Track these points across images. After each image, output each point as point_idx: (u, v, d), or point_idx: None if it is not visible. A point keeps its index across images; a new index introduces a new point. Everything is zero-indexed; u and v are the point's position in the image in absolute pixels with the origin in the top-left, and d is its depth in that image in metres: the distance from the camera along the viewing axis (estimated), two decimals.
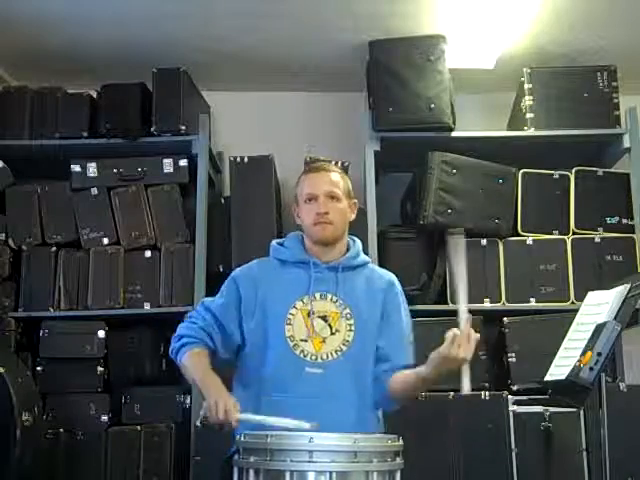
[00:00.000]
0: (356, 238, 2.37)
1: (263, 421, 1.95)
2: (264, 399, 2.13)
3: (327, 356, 2.15)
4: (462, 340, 1.99)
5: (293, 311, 2.18)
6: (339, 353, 2.15)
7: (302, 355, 2.14)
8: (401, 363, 2.20)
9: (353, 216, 2.32)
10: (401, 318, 2.28)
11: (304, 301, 2.18)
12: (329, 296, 2.20)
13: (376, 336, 2.21)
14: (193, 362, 2.18)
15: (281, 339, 2.15)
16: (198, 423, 2.06)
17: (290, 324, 2.16)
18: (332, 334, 2.16)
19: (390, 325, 2.24)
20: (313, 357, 2.14)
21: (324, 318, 2.17)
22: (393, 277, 2.35)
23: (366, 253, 2.43)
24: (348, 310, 2.19)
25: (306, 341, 2.15)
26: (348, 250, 2.30)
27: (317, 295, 2.19)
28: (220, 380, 2.11)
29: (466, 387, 2.03)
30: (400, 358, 2.21)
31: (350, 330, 2.17)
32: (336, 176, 2.28)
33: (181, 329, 2.28)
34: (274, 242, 2.34)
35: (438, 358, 2.01)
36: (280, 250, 2.30)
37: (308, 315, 2.17)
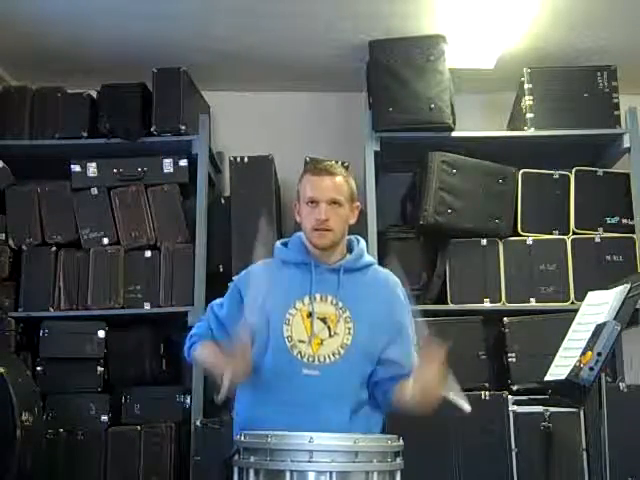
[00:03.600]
0: (360, 238, 2.34)
1: None
2: (262, 397, 2.13)
3: (324, 358, 2.13)
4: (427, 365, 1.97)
5: (292, 311, 2.16)
6: (337, 356, 2.14)
7: (299, 356, 2.13)
8: (407, 371, 2.15)
9: (354, 220, 2.28)
10: (408, 323, 2.26)
11: (304, 302, 2.17)
12: (329, 298, 2.18)
13: (376, 340, 2.18)
14: (202, 352, 2.23)
15: (279, 339, 2.14)
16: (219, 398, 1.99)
17: (289, 324, 2.15)
18: (330, 336, 2.15)
19: (398, 331, 2.22)
20: (310, 359, 2.13)
21: (323, 320, 2.16)
22: (396, 279, 2.31)
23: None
24: (348, 313, 2.17)
25: (304, 342, 2.14)
26: (350, 250, 2.28)
27: (317, 297, 2.18)
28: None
29: (464, 404, 1.99)
30: (407, 366, 2.17)
31: (349, 333, 2.16)
32: (340, 180, 2.22)
33: (193, 329, 2.34)
34: (278, 242, 2.33)
35: (419, 392, 2.00)
36: (283, 251, 2.29)
37: (308, 316, 2.16)
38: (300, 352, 2.13)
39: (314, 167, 2.29)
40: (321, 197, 2.18)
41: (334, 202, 2.19)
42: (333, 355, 2.14)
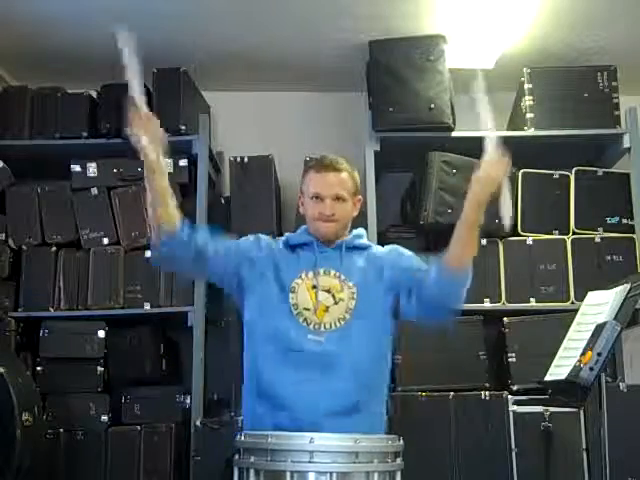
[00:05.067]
0: (361, 228, 2.39)
1: None
2: (269, 364, 2.15)
3: (330, 325, 2.17)
4: (493, 162, 2.11)
5: (298, 281, 2.21)
6: (342, 322, 2.17)
7: (305, 323, 2.16)
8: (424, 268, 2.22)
9: (357, 212, 2.34)
10: (415, 258, 2.29)
11: (309, 275, 2.22)
12: (332, 272, 2.23)
13: (380, 298, 2.22)
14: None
15: (285, 306, 2.18)
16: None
17: (294, 292, 2.20)
18: (335, 303, 2.19)
19: (408, 264, 2.26)
20: (316, 325, 2.16)
21: (327, 290, 2.20)
22: (395, 245, 2.37)
23: None
24: (351, 282, 2.21)
25: (309, 310, 2.17)
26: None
27: (321, 270, 2.22)
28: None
29: (507, 217, 2.10)
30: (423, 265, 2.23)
31: (352, 298, 2.19)
32: (345, 175, 2.28)
33: None
34: (286, 234, 2.39)
35: (475, 185, 2.07)
36: (289, 236, 2.34)
37: (312, 288, 2.20)
38: (306, 319, 2.17)
39: (319, 162, 2.32)
40: (326, 193, 2.24)
41: (338, 198, 2.24)
42: (338, 321, 2.17)
